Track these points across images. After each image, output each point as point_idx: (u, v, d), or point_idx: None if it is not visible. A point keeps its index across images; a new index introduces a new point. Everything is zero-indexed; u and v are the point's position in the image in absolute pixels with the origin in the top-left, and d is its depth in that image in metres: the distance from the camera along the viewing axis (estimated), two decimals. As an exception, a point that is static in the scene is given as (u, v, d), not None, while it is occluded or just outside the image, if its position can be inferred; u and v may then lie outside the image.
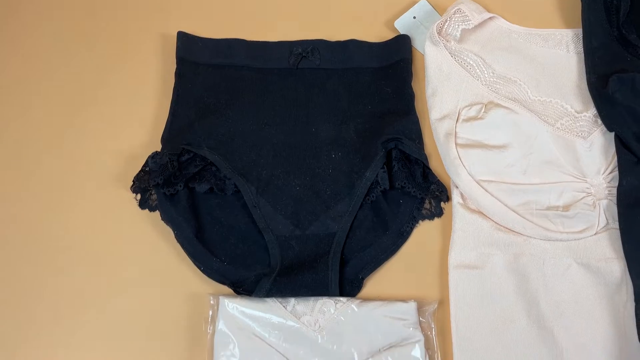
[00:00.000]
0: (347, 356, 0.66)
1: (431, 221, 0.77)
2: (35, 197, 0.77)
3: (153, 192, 0.76)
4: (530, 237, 0.73)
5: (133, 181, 0.75)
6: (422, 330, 0.68)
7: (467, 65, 0.83)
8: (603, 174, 0.77)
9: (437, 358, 0.67)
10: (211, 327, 0.68)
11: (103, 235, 0.75)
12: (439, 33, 0.82)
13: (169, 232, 0.74)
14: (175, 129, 0.78)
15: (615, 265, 0.72)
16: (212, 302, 0.69)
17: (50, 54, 0.85)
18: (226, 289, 0.72)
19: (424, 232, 0.76)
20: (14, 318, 0.71)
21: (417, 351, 0.66)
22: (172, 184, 0.74)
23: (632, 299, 0.69)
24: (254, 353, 0.66)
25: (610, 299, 0.71)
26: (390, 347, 0.66)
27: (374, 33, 0.86)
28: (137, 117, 0.81)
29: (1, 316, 0.71)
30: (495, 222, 0.74)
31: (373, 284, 0.73)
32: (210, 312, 0.69)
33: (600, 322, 0.70)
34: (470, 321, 0.70)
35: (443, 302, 0.71)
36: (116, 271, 0.73)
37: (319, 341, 0.67)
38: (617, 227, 0.73)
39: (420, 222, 0.77)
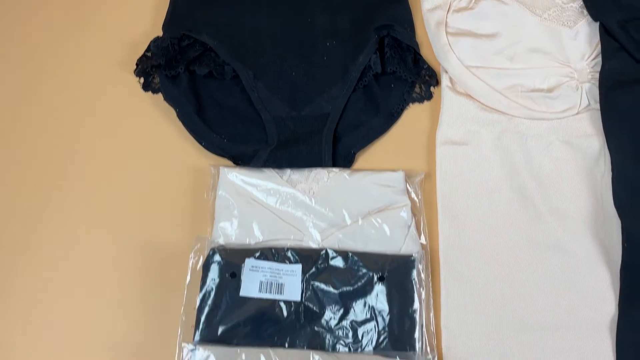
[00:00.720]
0: (339, 218, 0.71)
1: (421, 104, 0.81)
2: (42, 86, 0.81)
3: (155, 76, 0.80)
4: (515, 116, 0.77)
5: (136, 64, 0.79)
6: (409, 197, 0.72)
7: (458, -41, 0.85)
8: (587, 59, 0.80)
9: (423, 221, 0.72)
10: (212, 194, 0.72)
11: (109, 117, 0.79)
12: None
13: (171, 112, 0.78)
14: (176, 17, 0.82)
15: (594, 140, 0.76)
16: (212, 172, 0.73)
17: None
18: (226, 162, 0.76)
19: (414, 114, 0.80)
20: (23, 190, 0.76)
21: (405, 213, 0.70)
22: (173, 66, 0.78)
23: (609, 169, 0.73)
24: (253, 215, 0.70)
25: (589, 170, 0.75)
26: (379, 210, 0.71)
27: None
28: (138, 8, 0.85)
29: (13, 186, 0.76)
30: (482, 103, 0.78)
31: (364, 159, 0.77)
32: (212, 181, 0.73)
33: (579, 191, 0.74)
34: (455, 191, 0.74)
35: (430, 176, 0.75)
36: (122, 149, 0.78)
37: (313, 204, 0.71)
38: (598, 107, 0.76)
39: (410, 105, 0.80)
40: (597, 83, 0.77)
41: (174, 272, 0.68)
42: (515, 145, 0.76)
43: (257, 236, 0.70)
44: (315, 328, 0.64)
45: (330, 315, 0.65)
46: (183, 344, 0.61)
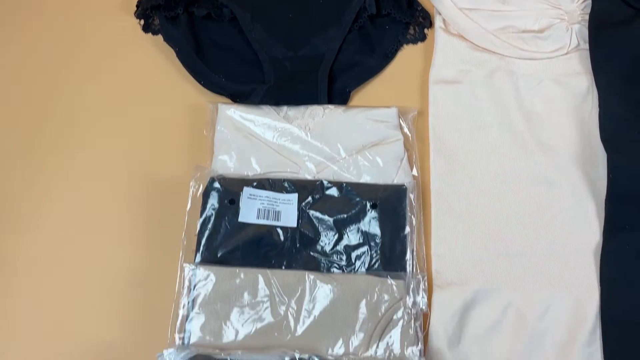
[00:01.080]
0: (334, 151, 0.73)
1: (415, 45, 0.83)
2: (42, 28, 0.83)
3: (155, 18, 0.82)
4: (506, 56, 0.79)
5: (136, 6, 0.81)
6: (402, 132, 0.74)
7: None
8: (577, 2, 0.81)
9: (415, 155, 0.74)
10: (211, 131, 0.74)
11: (111, 58, 0.81)
12: None
13: (171, 53, 0.80)
14: (175, -39, 0.83)
15: (583, 79, 0.78)
16: (211, 108, 0.76)
17: None
18: (225, 100, 0.78)
19: (408, 55, 0.82)
20: (29, 129, 0.78)
21: (398, 147, 0.73)
22: (172, 7, 0.80)
23: (596, 106, 0.75)
24: (251, 149, 0.73)
25: (577, 107, 0.77)
26: (373, 144, 0.73)
27: None
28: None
29: (18, 124, 0.78)
30: (475, 44, 0.80)
31: (359, 98, 0.79)
32: (210, 118, 0.75)
33: (566, 127, 0.76)
34: (447, 127, 0.76)
35: (422, 114, 0.78)
36: (124, 89, 0.80)
37: (309, 139, 0.73)
38: (587, 47, 0.78)
39: (404, 46, 0.82)
40: (586, 24, 0.79)
41: (175, 200, 0.71)
42: (506, 83, 0.78)
43: (255, 169, 0.72)
44: (311, 253, 0.67)
45: (325, 241, 0.68)
46: (185, 264, 0.64)
